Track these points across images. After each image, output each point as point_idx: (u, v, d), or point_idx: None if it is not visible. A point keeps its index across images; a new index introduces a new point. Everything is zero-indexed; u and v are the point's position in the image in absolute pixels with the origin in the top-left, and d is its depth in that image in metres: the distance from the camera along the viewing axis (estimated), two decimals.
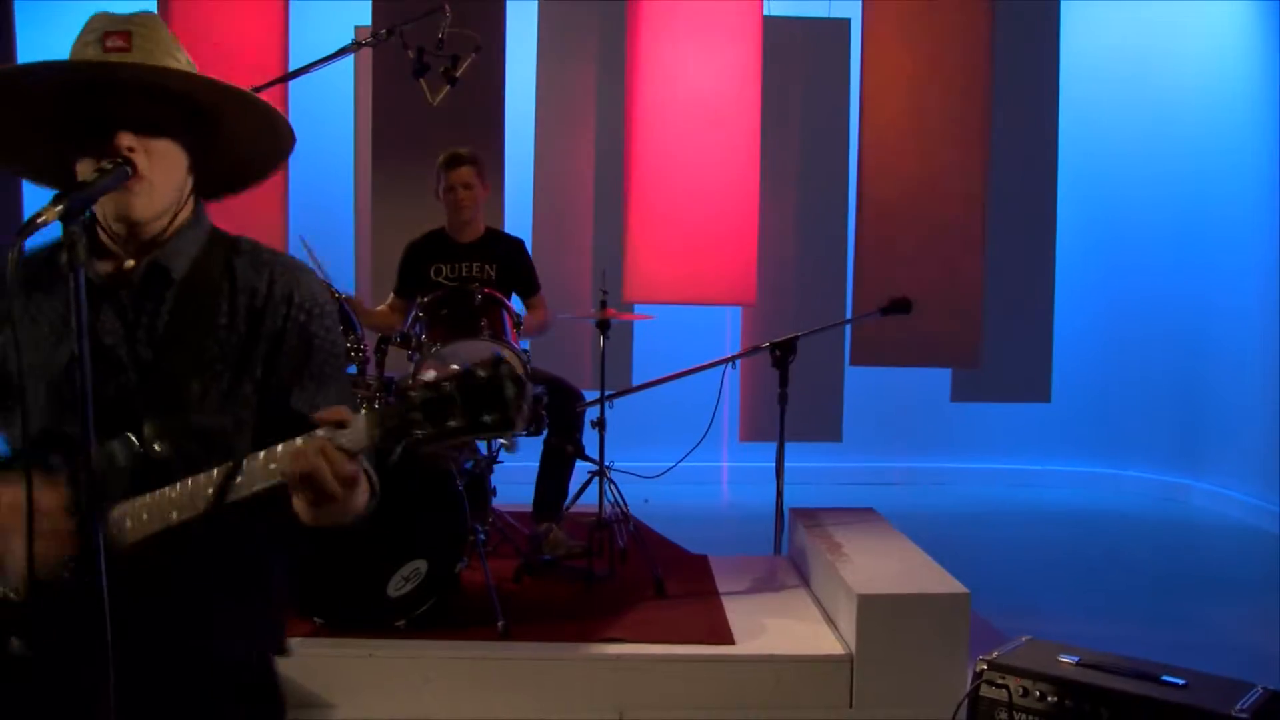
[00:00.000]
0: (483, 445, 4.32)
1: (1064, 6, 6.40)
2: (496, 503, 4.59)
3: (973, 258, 5.65)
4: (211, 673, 1.78)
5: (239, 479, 1.58)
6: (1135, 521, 6.83)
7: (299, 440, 1.54)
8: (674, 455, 4.97)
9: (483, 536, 3.89)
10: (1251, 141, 6.71)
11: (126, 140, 1.65)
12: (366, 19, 5.84)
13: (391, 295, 4.70)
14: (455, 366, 1.45)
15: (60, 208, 1.50)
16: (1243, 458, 6.75)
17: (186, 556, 1.70)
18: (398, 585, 3.65)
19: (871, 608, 3.55)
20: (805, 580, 4.34)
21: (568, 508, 4.53)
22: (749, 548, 4.97)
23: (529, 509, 4.67)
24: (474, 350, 3.91)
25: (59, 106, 1.72)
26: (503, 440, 1.35)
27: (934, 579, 3.77)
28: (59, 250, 1.79)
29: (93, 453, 1.54)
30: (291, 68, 5.09)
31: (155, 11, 1.95)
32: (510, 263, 4.62)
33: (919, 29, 5.66)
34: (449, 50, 4.31)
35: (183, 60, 1.74)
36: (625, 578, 4.28)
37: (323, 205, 6.29)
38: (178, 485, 1.63)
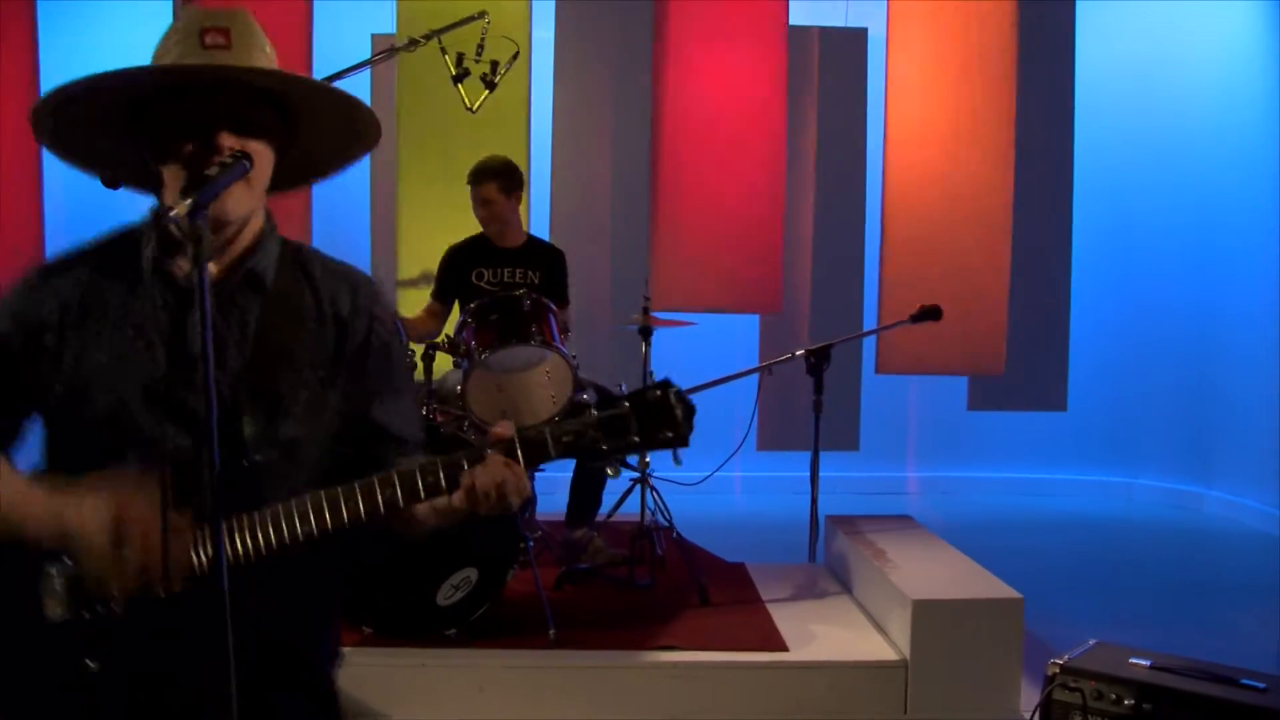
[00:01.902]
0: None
1: (1077, 18, 6.45)
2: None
3: (998, 265, 5.67)
4: (295, 682, 1.75)
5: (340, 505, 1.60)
6: (1150, 529, 6.85)
7: (463, 457, 1.61)
8: (689, 463, 4.96)
9: (530, 545, 3.86)
10: (1261, 150, 6.76)
11: (228, 140, 1.60)
12: (382, 27, 5.81)
13: (430, 299, 4.68)
14: (623, 387, 1.59)
15: (189, 201, 1.46)
16: (1255, 465, 6.78)
17: (284, 569, 1.67)
18: (447, 593, 3.61)
19: (926, 613, 3.54)
20: (847, 587, 4.34)
21: (609, 515, 4.51)
22: (774, 555, 4.95)
23: (561, 516, 4.66)
24: (525, 356, 3.89)
25: (150, 108, 1.65)
26: (673, 452, 1.75)
27: (986, 584, 3.78)
28: (133, 242, 1.72)
29: (215, 455, 1.51)
30: (316, 76, 5.06)
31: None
32: (549, 272, 4.61)
33: (944, 37, 5.68)
34: (488, 56, 4.30)
35: (271, 54, 1.70)
36: (665, 585, 4.26)
37: (340, 209, 6.23)
38: (284, 505, 1.61)
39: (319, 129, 1.76)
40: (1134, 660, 2.89)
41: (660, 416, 1.63)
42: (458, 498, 1.61)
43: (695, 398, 4.50)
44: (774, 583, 4.39)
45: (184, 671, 1.60)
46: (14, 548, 1.60)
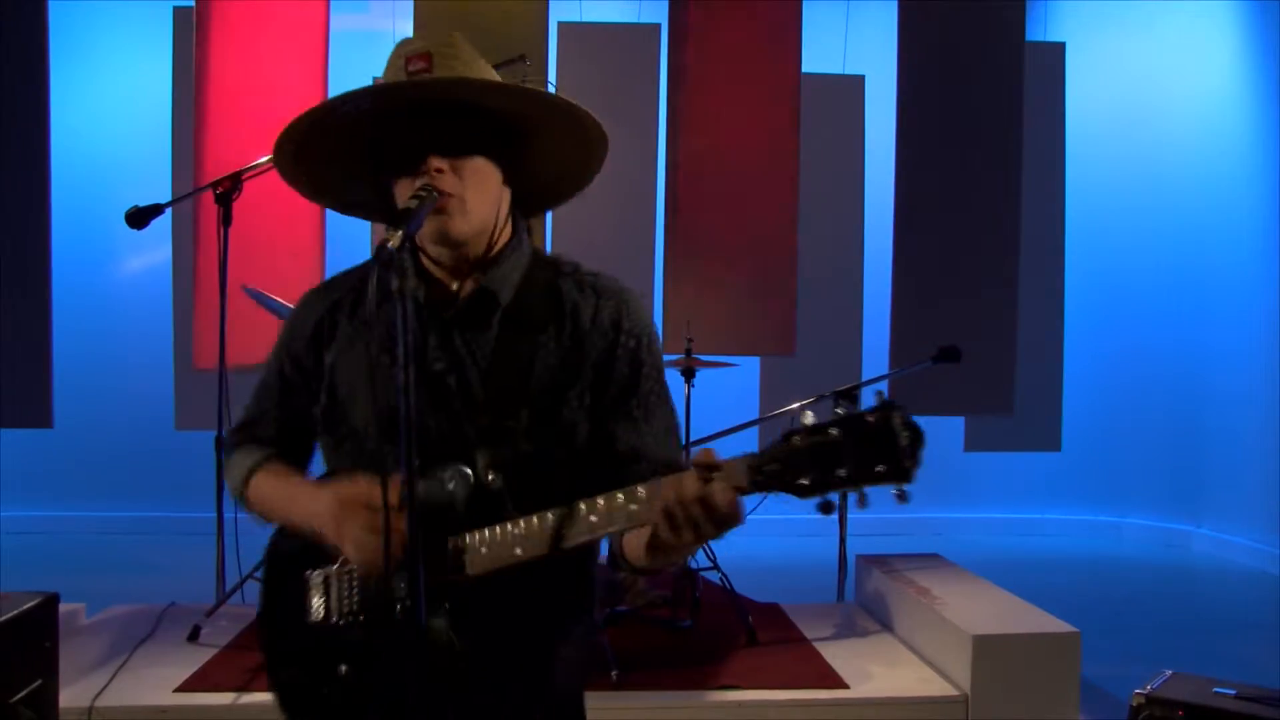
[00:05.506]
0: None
1: (1067, 70, 6.62)
2: None
3: (1008, 306, 5.77)
4: (545, 706, 1.73)
5: (587, 518, 1.53)
6: (1140, 568, 6.96)
7: (664, 480, 1.47)
8: None
9: None
10: (1245, 195, 6.99)
11: (436, 162, 1.63)
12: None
13: None
14: (839, 411, 1.39)
15: (401, 233, 1.49)
16: (1243, 503, 6.94)
17: (529, 591, 1.66)
18: None
19: (986, 648, 3.57)
20: (886, 625, 4.35)
21: None
22: (793, 595, 4.92)
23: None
24: None
25: (375, 137, 1.71)
26: (894, 491, 1.31)
27: (1040, 619, 3.83)
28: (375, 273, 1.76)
29: (417, 481, 1.50)
30: None
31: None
32: None
33: (950, 83, 5.80)
34: None
35: (488, 75, 1.72)
36: (706, 626, 4.24)
37: (358, 242, 6.15)
38: (521, 521, 1.58)
39: (550, 141, 1.76)
40: (1217, 690, 2.93)
41: (877, 445, 1.36)
42: (657, 521, 1.47)
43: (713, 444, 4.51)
44: (813, 622, 4.39)
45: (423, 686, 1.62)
46: (290, 557, 1.73)
